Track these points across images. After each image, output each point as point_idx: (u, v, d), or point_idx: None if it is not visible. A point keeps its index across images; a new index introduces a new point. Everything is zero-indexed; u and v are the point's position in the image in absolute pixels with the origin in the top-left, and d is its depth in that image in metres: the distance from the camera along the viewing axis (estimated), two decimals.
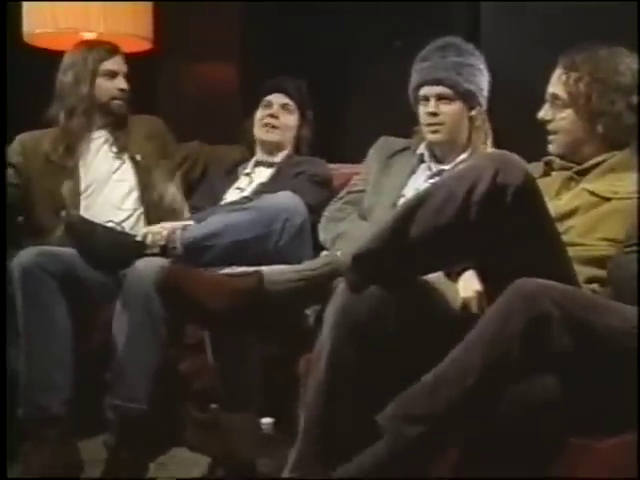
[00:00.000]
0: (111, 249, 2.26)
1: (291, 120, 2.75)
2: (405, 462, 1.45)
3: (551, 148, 2.07)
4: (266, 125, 2.73)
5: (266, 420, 2.10)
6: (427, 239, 1.59)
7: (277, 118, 2.72)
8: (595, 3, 2.62)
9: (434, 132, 2.40)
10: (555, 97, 2.03)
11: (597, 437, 1.40)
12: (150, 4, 2.93)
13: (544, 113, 2.05)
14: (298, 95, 2.76)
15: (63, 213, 2.39)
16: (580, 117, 2.01)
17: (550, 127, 2.05)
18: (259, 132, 2.75)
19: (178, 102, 3.32)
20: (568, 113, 2.02)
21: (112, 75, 2.70)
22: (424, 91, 2.41)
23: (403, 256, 1.61)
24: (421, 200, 1.61)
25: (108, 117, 2.71)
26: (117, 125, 2.71)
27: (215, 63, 3.40)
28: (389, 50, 2.99)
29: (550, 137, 2.06)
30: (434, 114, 2.39)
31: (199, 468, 2.20)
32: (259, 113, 2.76)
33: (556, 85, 2.03)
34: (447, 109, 2.39)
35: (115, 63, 2.72)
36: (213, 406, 2.20)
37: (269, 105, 2.75)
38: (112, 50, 2.73)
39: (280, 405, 2.03)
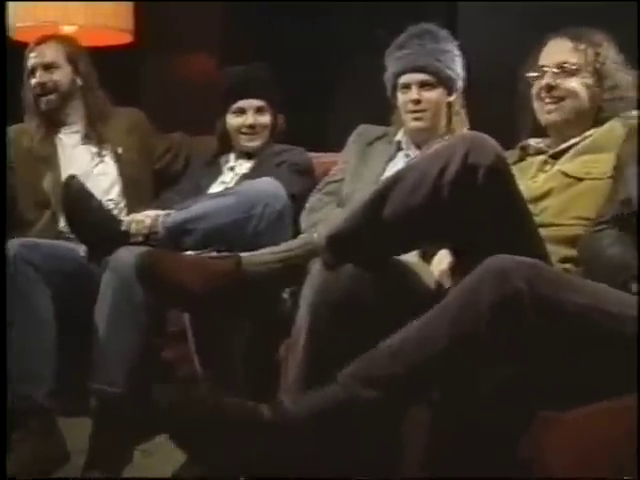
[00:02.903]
0: (99, 227, 2.27)
1: (266, 119, 2.73)
2: (352, 419, 1.46)
3: (554, 116, 2.05)
4: (245, 134, 2.71)
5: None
6: (400, 219, 1.61)
7: (254, 127, 2.70)
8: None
9: (417, 119, 2.42)
10: (563, 65, 2.04)
11: (564, 409, 1.41)
12: None
13: (550, 80, 2.05)
14: (268, 91, 2.73)
15: (67, 177, 2.35)
16: (589, 84, 2.04)
17: (556, 93, 2.04)
18: (240, 139, 2.72)
19: (159, 94, 3.34)
20: (578, 79, 2.04)
21: (32, 72, 2.66)
22: (405, 79, 2.43)
23: (377, 236, 1.64)
24: (394, 181, 1.63)
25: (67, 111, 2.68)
26: (94, 118, 2.72)
27: (196, 55, 3.41)
28: (370, 38, 3.01)
29: (552, 106, 2.04)
30: (417, 101, 2.41)
31: (185, 456, 2.21)
32: (234, 121, 2.71)
33: (564, 53, 2.05)
34: (429, 96, 2.41)
35: (37, 56, 2.66)
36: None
37: (242, 112, 2.71)
38: (39, 41, 2.65)
39: (261, 390, 2.05)
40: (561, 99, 2.04)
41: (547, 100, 2.04)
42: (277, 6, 3.19)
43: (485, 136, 1.64)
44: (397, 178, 1.63)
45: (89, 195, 2.31)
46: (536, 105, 2.09)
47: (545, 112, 2.06)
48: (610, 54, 2.08)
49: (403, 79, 2.43)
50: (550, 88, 2.04)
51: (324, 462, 1.50)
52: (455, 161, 1.57)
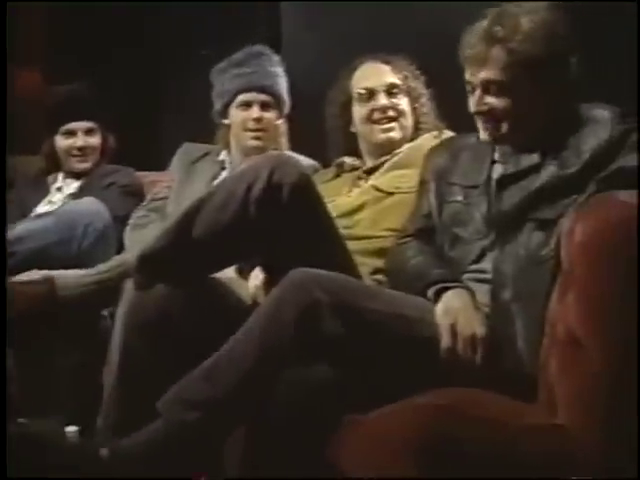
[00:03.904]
0: None
1: (96, 140, 2.72)
2: (182, 446, 1.49)
3: (393, 134, 2.15)
4: (75, 156, 2.69)
5: (70, 428, 2.08)
6: (210, 237, 1.65)
7: (84, 149, 2.68)
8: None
9: (256, 138, 2.44)
10: (391, 86, 2.16)
11: (367, 412, 1.48)
12: None
13: (386, 101, 2.15)
14: (97, 112, 2.72)
15: None
16: (409, 102, 2.17)
17: (391, 113, 2.15)
18: (69, 161, 2.69)
19: None
20: (404, 98, 2.17)
21: None
22: (246, 97, 2.43)
23: (188, 255, 1.67)
24: (204, 200, 1.68)
25: None
26: None
27: (19, 72, 3.32)
28: (196, 58, 3.04)
29: (388, 125, 2.15)
30: (259, 120, 2.43)
31: None
32: (63, 142, 2.69)
33: (387, 75, 2.17)
34: (268, 116, 2.45)
35: None
36: (21, 420, 2.16)
37: (72, 133, 2.69)
38: None
39: (85, 413, 2.02)
40: (395, 119, 2.16)
41: (383, 121, 2.15)
42: (104, 28, 3.17)
43: (289, 155, 1.72)
44: (205, 198, 1.67)
45: None
46: (365, 127, 2.17)
47: (381, 132, 2.16)
48: (416, 75, 2.21)
49: (244, 97, 2.44)
50: (386, 109, 2.14)
51: None
52: (261, 180, 1.63)
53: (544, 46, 1.66)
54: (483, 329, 1.59)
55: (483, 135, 1.74)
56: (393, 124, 2.15)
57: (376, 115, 2.15)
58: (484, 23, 1.69)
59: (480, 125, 1.74)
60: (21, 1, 2.80)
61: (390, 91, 2.16)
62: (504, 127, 1.71)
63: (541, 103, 1.69)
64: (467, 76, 1.72)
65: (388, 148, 2.16)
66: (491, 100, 1.69)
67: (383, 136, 2.15)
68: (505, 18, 1.68)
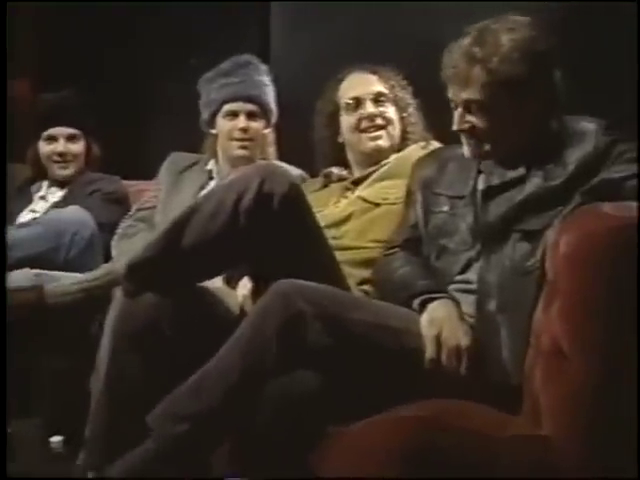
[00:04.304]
0: None
1: (78, 147, 2.73)
2: (173, 460, 1.50)
3: (380, 143, 2.17)
4: (57, 162, 2.70)
5: (55, 438, 2.08)
6: (200, 246, 1.66)
7: (65, 155, 2.69)
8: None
9: (243, 147, 2.44)
10: (379, 95, 2.18)
11: (350, 423, 1.49)
12: None
13: (373, 109, 2.16)
14: (81, 119, 2.73)
15: None
16: (396, 111, 2.19)
17: (378, 121, 2.17)
18: (52, 168, 2.70)
19: None
20: (391, 107, 2.18)
21: None
22: (233, 106, 2.44)
23: (177, 264, 1.68)
24: (194, 209, 1.68)
25: None
26: None
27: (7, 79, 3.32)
28: (183, 67, 3.04)
29: (376, 133, 2.16)
30: (245, 130, 2.43)
31: None
32: (45, 148, 2.70)
33: (374, 84, 2.19)
34: (255, 126, 2.45)
35: None
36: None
37: (54, 139, 2.71)
38: None
39: (71, 421, 2.02)
40: (383, 127, 2.17)
41: (371, 129, 2.16)
42: (93, 38, 3.17)
43: (279, 165, 1.73)
44: (195, 207, 1.68)
45: None
46: (353, 137, 2.19)
47: (369, 140, 2.17)
48: (403, 85, 2.23)
49: (230, 106, 2.44)
50: (373, 117, 2.15)
51: None
52: (251, 190, 1.64)
53: (524, 65, 1.67)
54: (468, 339, 1.60)
55: (467, 152, 1.76)
56: (381, 132, 2.16)
57: (364, 124, 2.17)
58: (465, 42, 1.70)
59: (464, 142, 1.76)
60: (16, 1, 2.78)
61: (377, 100, 2.18)
62: (486, 145, 1.72)
63: (524, 119, 1.70)
64: (449, 94, 1.74)
65: (376, 157, 2.18)
66: (472, 119, 1.71)
67: (372, 144, 2.16)
68: (485, 37, 1.69)
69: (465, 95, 1.69)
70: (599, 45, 2.34)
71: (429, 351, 1.59)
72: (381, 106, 2.18)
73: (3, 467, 1.92)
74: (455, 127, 1.74)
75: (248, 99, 2.44)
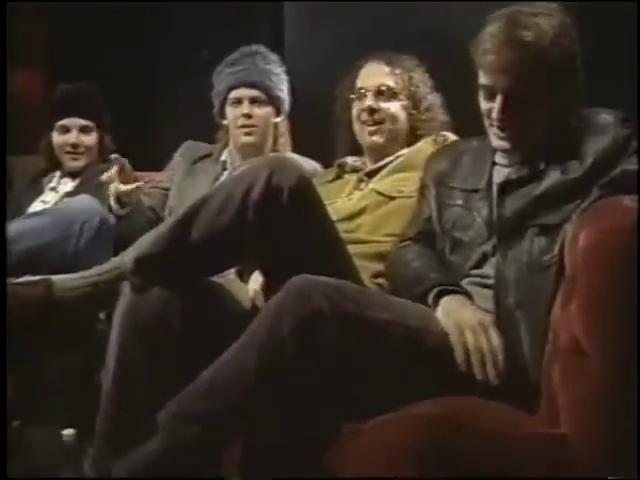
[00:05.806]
0: None
1: (91, 138, 2.72)
2: (182, 461, 1.47)
3: (375, 138, 2.13)
4: (69, 153, 2.69)
5: (67, 432, 2.07)
6: (208, 240, 1.62)
7: (77, 146, 2.68)
8: None
9: (247, 134, 2.44)
10: (381, 88, 2.13)
11: (367, 421, 1.45)
12: None
13: (372, 102, 2.12)
14: (94, 111, 2.72)
15: None
16: (406, 106, 2.13)
17: (377, 116, 2.11)
18: (64, 159, 2.70)
19: None
20: (396, 102, 2.12)
21: None
22: (237, 93, 2.45)
23: (185, 258, 1.64)
24: (201, 203, 1.65)
25: None
26: None
27: (20, 71, 3.31)
28: (196, 60, 3.02)
29: (373, 128, 2.12)
30: (248, 116, 2.43)
31: None
32: (58, 139, 2.70)
33: (382, 77, 2.13)
34: (260, 112, 2.45)
35: None
36: (15, 423, 2.15)
37: (67, 130, 2.70)
38: None
39: (82, 415, 2.00)
40: (381, 122, 2.12)
41: (369, 123, 2.12)
42: (106, 30, 3.16)
43: (289, 158, 1.69)
44: (203, 200, 1.64)
45: None
46: (357, 127, 2.16)
47: (367, 134, 2.13)
48: (422, 78, 2.18)
49: (234, 94, 2.45)
50: (372, 111, 2.11)
51: None
52: (259, 183, 1.60)
53: (570, 49, 1.62)
54: (496, 338, 1.54)
55: (496, 142, 1.70)
56: (376, 127, 2.12)
57: (363, 116, 2.13)
58: (504, 27, 1.63)
59: (492, 132, 1.70)
60: (21, 1, 2.78)
61: (380, 93, 2.13)
62: (517, 136, 1.66)
63: (554, 110, 1.65)
64: (484, 81, 1.66)
65: (376, 151, 2.14)
66: (513, 109, 1.64)
67: (367, 139, 2.13)
68: (526, 21, 1.61)
69: (507, 82, 1.62)
70: (599, 45, 2.29)
71: (454, 337, 1.54)
72: (383, 101, 2.12)
73: (3, 467, 1.91)
74: (495, 116, 1.65)
75: (250, 85, 2.44)
